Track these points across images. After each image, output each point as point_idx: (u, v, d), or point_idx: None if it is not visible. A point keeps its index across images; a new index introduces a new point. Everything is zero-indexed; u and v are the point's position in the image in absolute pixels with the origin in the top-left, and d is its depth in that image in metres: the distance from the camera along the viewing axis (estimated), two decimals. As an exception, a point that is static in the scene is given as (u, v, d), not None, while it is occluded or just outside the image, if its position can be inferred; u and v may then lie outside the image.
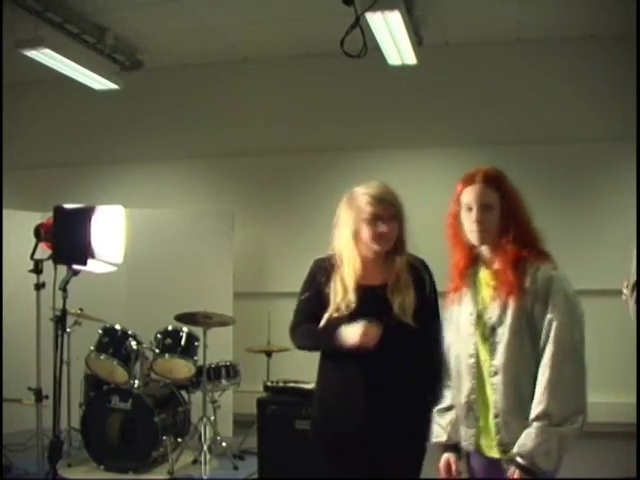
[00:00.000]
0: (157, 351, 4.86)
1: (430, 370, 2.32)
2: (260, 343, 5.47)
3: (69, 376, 4.88)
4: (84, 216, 3.37)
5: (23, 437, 4.78)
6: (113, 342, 4.83)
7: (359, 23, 3.96)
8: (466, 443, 2.17)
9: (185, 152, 6.58)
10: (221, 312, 4.99)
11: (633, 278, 2.80)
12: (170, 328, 4.94)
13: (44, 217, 3.68)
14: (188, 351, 4.88)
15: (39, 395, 3.92)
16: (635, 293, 2.75)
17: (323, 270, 2.49)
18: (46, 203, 4.09)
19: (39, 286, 3.80)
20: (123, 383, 4.78)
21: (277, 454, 3.99)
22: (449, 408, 2.24)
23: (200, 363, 4.79)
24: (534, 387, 2.02)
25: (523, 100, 5.94)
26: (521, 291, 2.06)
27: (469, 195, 2.15)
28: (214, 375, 4.92)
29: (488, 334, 2.11)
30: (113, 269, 3.60)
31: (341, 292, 2.40)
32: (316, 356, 2.55)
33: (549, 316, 2.02)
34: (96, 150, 6.76)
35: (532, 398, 2.01)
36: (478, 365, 2.13)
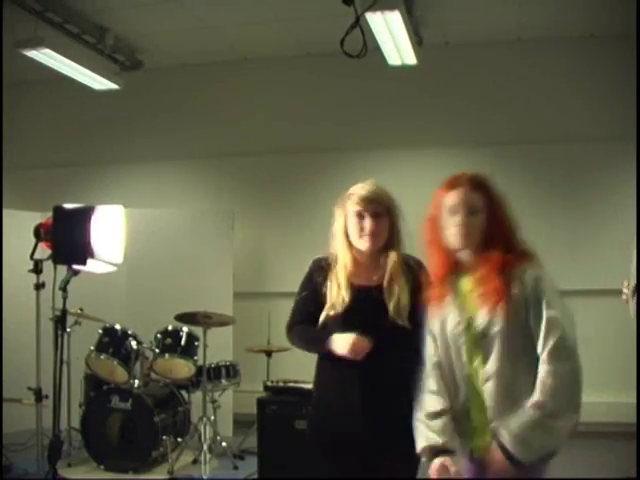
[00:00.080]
0: (157, 351, 4.87)
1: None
2: (260, 343, 5.47)
3: (69, 376, 4.89)
4: (84, 216, 3.35)
5: (23, 437, 4.78)
6: (113, 342, 4.83)
7: (359, 23, 3.96)
8: (461, 448, 2.14)
9: (185, 152, 6.58)
10: (221, 312, 4.99)
11: (634, 280, 2.80)
12: (170, 328, 4.95)
13: (44, 217, 3.66)
14: (188, 351, 4.88)
15: (39, 395, 3.92)
16: (636, 295, 2.75)
17: (320, 269, 2.50)
18: (46, 203, 4.07)
19: (39, 286, 3.81)
20: (123, 383, 4.78)
21: (277, 454, 3.98)
22: (440, 413, 2.16)
23: (200, 363, 4.79)
24: (528, 391, 2.00)
25: (523, 100, 5.93)
26: (509, 296, 2.04)
27: (453, 198, 2.12)
28: (214, 375, 4.92)
29: (479, 341, 2.09)
30: (113, 269, 3.59)
31: (335, 290, 2.41)
32: (316, 356, 2.55)
33: (544, 314, 2.01)
34: (96, 150, 6.76)
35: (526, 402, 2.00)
36: (471, 372, 2.11)
